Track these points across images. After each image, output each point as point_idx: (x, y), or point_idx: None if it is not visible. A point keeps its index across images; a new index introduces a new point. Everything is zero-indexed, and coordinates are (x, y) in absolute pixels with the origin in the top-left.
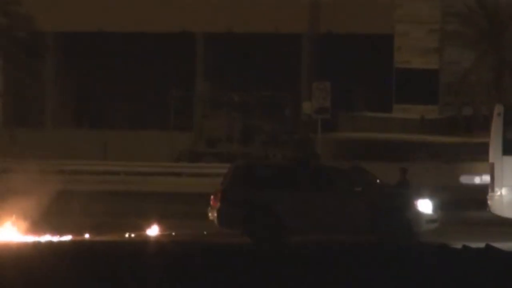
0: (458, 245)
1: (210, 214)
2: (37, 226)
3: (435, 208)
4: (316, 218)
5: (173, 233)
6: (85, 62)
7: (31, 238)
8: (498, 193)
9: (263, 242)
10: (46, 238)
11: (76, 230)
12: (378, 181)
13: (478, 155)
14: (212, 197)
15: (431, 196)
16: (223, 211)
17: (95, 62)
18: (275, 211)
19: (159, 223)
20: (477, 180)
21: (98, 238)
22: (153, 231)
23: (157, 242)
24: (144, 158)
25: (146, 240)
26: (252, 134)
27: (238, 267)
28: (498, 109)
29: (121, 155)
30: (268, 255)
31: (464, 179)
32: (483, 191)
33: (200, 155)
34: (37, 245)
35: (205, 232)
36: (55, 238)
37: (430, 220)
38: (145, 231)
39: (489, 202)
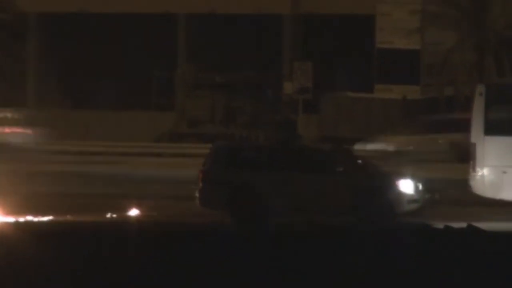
0: (440, 225)
1: None
2: (19, 207)
3: (416, 188)
4: (299, 198)
5: (155, 214)
6: (67, 43)
7: (12, 219)
8: (480, 173)
9: (246, 223)
10: (28, 218)
11: (57, 210)
12: (360, 161)
13: None
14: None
15: (412, 176)
16: (205, 191)
17: (77, 43)
18: (258, 191)
19: (141, 204)
20: None
21: (79, 219)
22: (135, 212)
23: (138, 222)
24: (126, 139)
25: (127, 221)
26: (234, 115)
27: (220, 247)
28: (480, 89)
29: (102, 135)
30: (250, 235)
31: None
32: None
33: (182, 135)
34: (19, 225)
35: (186, 213)
36: (37, 219)
37: (411, 200)
38: (126, 212)
39: (470, 182)
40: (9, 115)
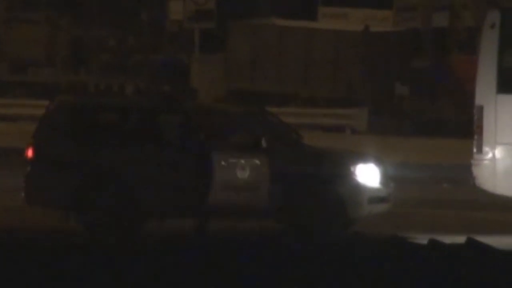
0: (423, 240)
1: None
2: None
3: (385, 179)
4: (189, 191)
5: None
6: None
7: None
8: (489, 155)
9: (102, 229)
10: None
11: None
12: (294, 135)
13: None
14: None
15: (378, 161)
16: (37, 178)
17: None
18: (122, 178)
19: None
20: None
21: None
22: None
23: None
24: None
25: None
26: (86, 52)
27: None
28: (492, 17)
29: None
30: (109, 250)
31: None
32: None
33: (2, 85)
34: None
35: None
36: None
37: (377, 197)
38: None
39: (474, 169)
40: None
